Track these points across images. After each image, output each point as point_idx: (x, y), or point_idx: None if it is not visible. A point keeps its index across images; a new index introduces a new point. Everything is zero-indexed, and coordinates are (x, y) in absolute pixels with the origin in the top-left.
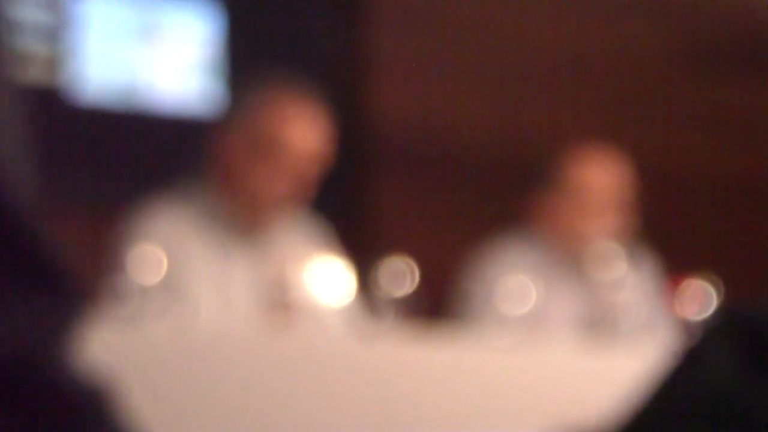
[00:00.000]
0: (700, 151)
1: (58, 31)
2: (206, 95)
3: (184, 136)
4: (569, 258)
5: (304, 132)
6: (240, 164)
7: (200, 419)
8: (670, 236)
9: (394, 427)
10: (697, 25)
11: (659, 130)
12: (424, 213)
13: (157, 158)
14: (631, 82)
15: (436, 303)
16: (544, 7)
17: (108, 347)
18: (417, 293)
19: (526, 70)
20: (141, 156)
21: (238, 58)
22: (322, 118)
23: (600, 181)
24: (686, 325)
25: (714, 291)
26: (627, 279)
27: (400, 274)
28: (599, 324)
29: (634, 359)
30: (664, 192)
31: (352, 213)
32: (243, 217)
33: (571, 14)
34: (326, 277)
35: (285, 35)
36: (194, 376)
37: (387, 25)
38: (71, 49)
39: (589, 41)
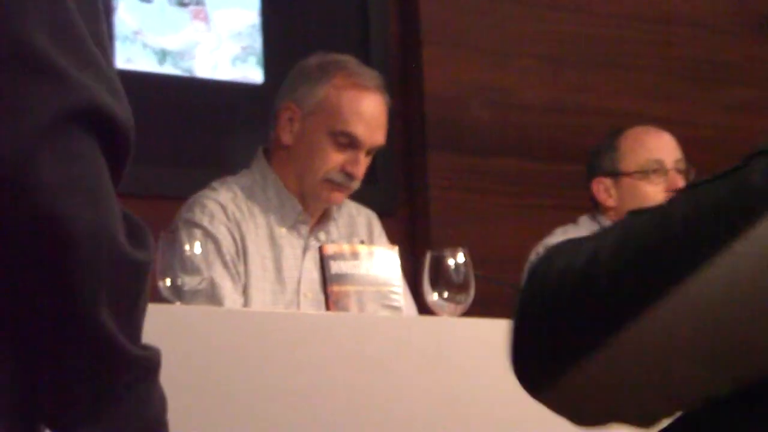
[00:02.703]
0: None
1: None
2: (252, 67)
3: (230, 104)
4: None
5: (375, 125)
6: (312, 148)
7: (247, 402)
8: None
9: (450, 408)
10: None
11: (720, 104)
12: (479, 194)
13: (204, 126)
14: (691, 51)
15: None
16: None
17: (154, 324)
18: (469, 279)
19: (583, 47)
20: (189, 123)
21: (286, 31)
22: (387, 107)
23: (666, 159)
24: None
25: None
26: None
27: (453, 263)
28: None
29: None
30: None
31: (404, 198)
32: (308, 199)
33: None
34: (377, 263)
35: (335, 7)
36: (242, 357)
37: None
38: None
39: (646, 12)
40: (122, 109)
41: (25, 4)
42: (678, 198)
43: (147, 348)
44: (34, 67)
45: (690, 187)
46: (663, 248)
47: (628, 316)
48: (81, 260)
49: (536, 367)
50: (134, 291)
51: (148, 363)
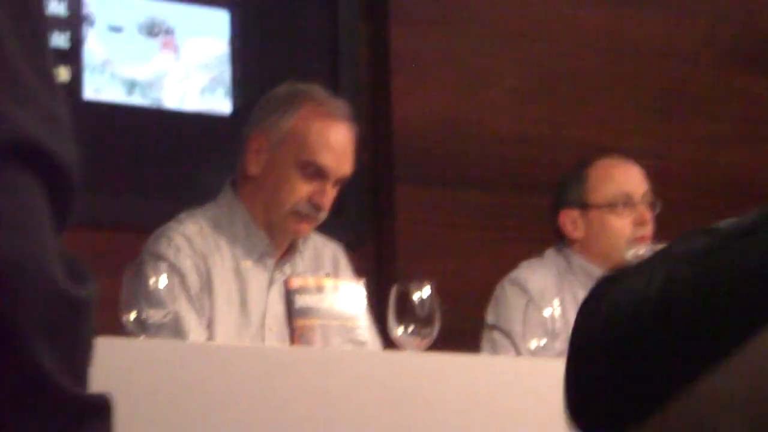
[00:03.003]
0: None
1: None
2: (220, 98)
3: (198, 135)
4: (598, 273)
5: (342, 156)
6: (280, 179)
7: None
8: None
9: None
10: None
11: (690, 137)
12: (447, 227)
13: (172, 156)
14: (661, 83)
15: (461, 322)
16: (570, 9)
17: (119, 359)
18: (434, 312)
19: (553, 79)
20: (155, 153)
21: (255, 61)
22: (355, 137)
23: (634, 192)
24: None
25: None
26: None
27: (419, 297)
28: None
29: None
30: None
31: (371, 230)
32: (275, 231)
33: (595, 18)
34: (343, 297)
35: (305, 39)
36: (207, 391)
37: (409, 31)
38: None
39: (616, 41)
40: (62, 144)
41: None
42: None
43: (94, 393)
44: None
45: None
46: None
47: (710, 363)
48: (4, 291)
49: (606, 414)
50: (73, 328)
51: (92, 407)
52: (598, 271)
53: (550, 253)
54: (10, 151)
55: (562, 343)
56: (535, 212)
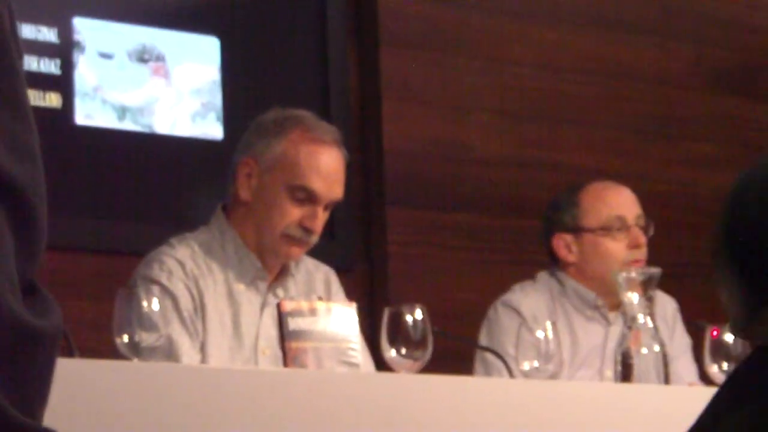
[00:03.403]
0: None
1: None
2: (212, 123)
3: (189, 160)
4: (594, 296)
5: (332, 180)
6: (271, 203)
7: None
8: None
9: None
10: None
11: (678, 160)
12: (437, 250)
13: (161, 180)
14: (649, 106)
15: (453, 344)
16: (558, 33)
17: (111, 382)
18: (427, 335)
19: (541, 103)
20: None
21: (246, 87)
22: (345, 161)
23: (627, 215)
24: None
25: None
26: (651, 316)
27: (411, 319)
28: (625, 361)
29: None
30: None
31: (362, 253)
32: (266, 255)
33: (584, 42)
34: (335, 320)
35: (295, 65)
36: (200, 414)
37: (398, 55)
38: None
39: (603, 65)
40: (23, 169)
41: None
42: None
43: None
44: None
45: None
46: None
47: None
48: None
49: None
50: (27, 358)
51: None
52: (591, 295)
53: (542, 276)
54: None
55: (554, 366)
56: (525, 234)
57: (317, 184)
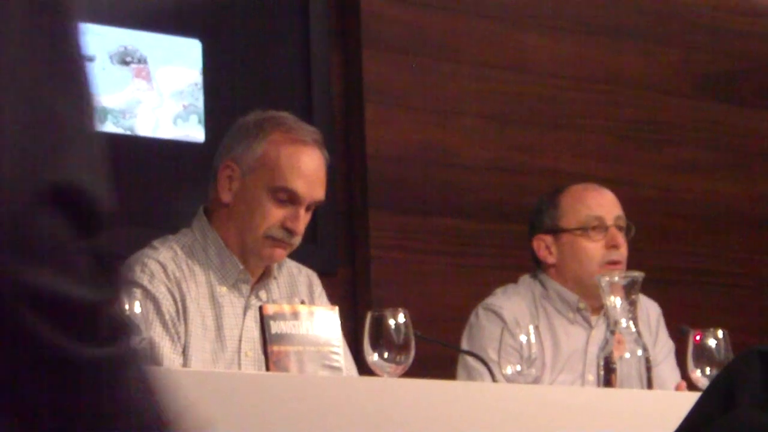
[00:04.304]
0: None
1: None
2: (194, 126)
3: (172, 162)
4: (576, 298)
5: (314, 180)
6: (252, 205)
7: None
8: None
9: None
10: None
11: (663, 165)
12: (420, 254)
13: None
14: (635, 111)
15: (436, 348)
16: (543, 38)
17: None
18: (409, 339)
19: (526, 107)
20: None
21: (228, 90)
22: (326, 162)
23: (606, 216)
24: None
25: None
26: (634, 321)
27: (394, 323)
28: (607, 365)
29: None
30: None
31: (344, 257)
32: (249, 257)
33: (569, 47)
34: (318, 324)
35: (278, 68)
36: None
37: (381, 59)
38: None
39: (589, 70)
40: (97, 181)
41: None
42: None
43: None
44: None
45: None
46: None
47: None
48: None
49: None
50: (57, 387)
51: None
52: (574, 297)
53: (524, 280)
54: (47, 194)
55: (537, 370)
56: (509, 239)
57: (298, 185)
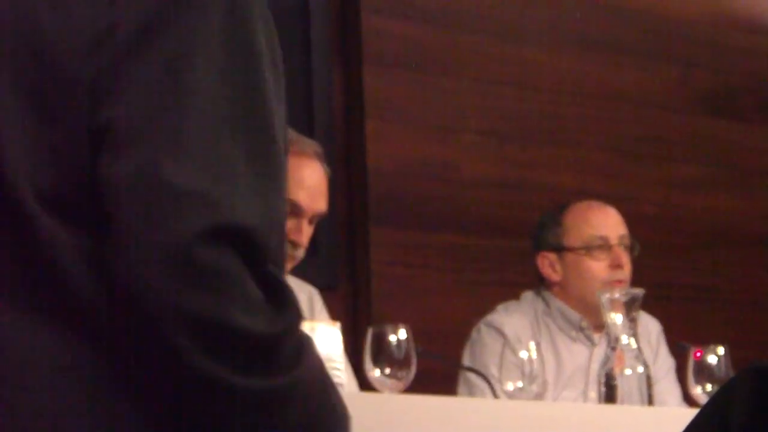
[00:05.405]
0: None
1: None
2: None
3: None
4: (579, 317)
5: (316, 192)
6: None
7: None
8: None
9: None
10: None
11: (663, 181)
12: (421, 269)
13: None
14: (635, 127)
15: (437, 364)
16: (543, 54)
17: None
18: (410, 355)
19: (526, 123)
20: None
21: None
22: (327, 175)
23: (610, 235)
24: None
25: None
26: (635, 337)
27: (395, 339)
28: (608, 382)
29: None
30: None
31: (345, 272)
32: None
33: (568, 63)
34: (319, 339)
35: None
36: None
37: (383, 74)
38: None
39: (589, 86)
40: (257, 215)
41: (151, 129)
42: None
43: None
44: (156, 193)
45: None
46: None
47: None
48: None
49: None
50: (208, 412)
51: None
52: (576, 316)
53: (527, 296)
54: (209, 234)
55: (538, 386)
56: (510, 255)
57: (301, 197)
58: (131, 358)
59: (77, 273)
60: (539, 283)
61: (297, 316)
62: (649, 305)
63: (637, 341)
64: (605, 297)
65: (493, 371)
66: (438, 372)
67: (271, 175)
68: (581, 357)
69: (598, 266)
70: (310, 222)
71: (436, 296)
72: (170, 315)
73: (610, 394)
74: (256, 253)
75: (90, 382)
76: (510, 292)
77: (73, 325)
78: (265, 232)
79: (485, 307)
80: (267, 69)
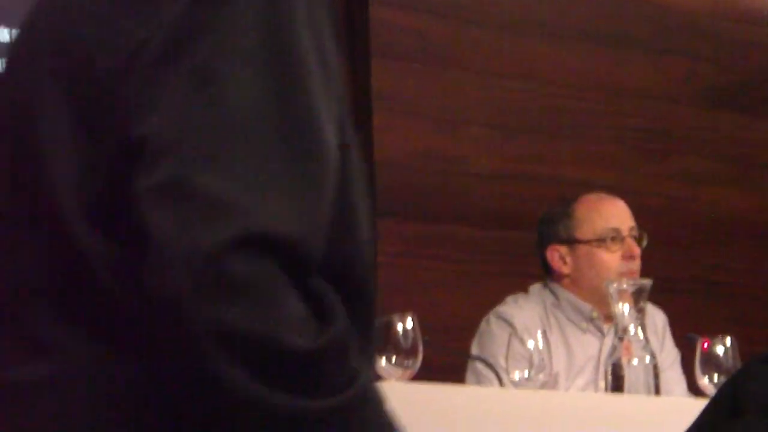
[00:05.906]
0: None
1: None
2: None
3: None
4: (590, 308)
5: None
6: None
7: None
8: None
9: None
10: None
11: (669, 174)
12: (428, 261)
13: None
14: (641, 121)
15: (443, 355)
16: (549, 47)
17: None
18: (417, 344)
19: (533, 116)
20: None
21: None
22: None
23: (621, 227)
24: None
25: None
26: (642, 327)
27: (402, 328)
28: (615, 371)
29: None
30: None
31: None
32: None
33: (576, 56)
34: None
35: None
36: None
37: (390, 67)
38: None
39: (596, 80)
40: (294, 220)
41: (183, 139)
42: None
43: None
44: (186, 202)
45: None
46: None
47: None
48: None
49: None
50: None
51: None
52: (587, 307)
53: (535, 289)
54: (240, 242)
55: (545, 375)
56: (517, 247)
57: None
58: (164, 371)
59: (117, 287)
60: (545, 275)
61: (342, 331)
62: (655, 298)
63: (644, 331)
64: (613, 287)
65: (500, 361)
66: (444, 364)
67: (313, 179)
68: (592, 348)
69: (611, 257)
70: None
71: (442, 288)
72: (199, 326)
73: (617, 384)
74: (294, 262)
75: (124, 395)
76: (515, 283)
77: (110, 337)
78: (304, 238)
79: (491, 298)
80: (312, 67)
